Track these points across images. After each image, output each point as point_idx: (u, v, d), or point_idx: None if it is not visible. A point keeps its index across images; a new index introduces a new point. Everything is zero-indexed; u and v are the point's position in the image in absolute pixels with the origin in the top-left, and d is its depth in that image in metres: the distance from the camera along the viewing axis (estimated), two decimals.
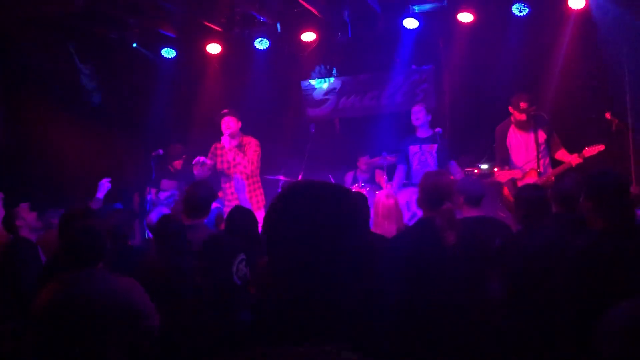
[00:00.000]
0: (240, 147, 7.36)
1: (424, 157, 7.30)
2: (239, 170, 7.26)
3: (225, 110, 7.37)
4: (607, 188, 3.37)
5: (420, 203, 4.00)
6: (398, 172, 7.52)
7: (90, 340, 3.16)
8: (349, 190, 1.53)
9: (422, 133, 7.40)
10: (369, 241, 1.52)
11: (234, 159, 7.22)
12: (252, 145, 7.34)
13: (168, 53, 9.52)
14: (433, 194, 3.86)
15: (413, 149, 7.36)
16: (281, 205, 1.46)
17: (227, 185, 7.44)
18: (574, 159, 6.60)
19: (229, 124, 7.25)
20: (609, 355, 1.34)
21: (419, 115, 7.36)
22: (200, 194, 4.79)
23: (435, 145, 7.25)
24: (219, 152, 7.43)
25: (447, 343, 3.58)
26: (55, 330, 3.18)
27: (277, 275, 1.42)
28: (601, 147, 6.49)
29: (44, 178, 8.42)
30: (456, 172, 7.17)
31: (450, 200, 3.79)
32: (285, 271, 1.41)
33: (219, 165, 7.42)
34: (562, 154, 6.82)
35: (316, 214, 1.40)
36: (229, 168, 7.36)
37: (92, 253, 3.43)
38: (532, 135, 6.92)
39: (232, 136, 7.27)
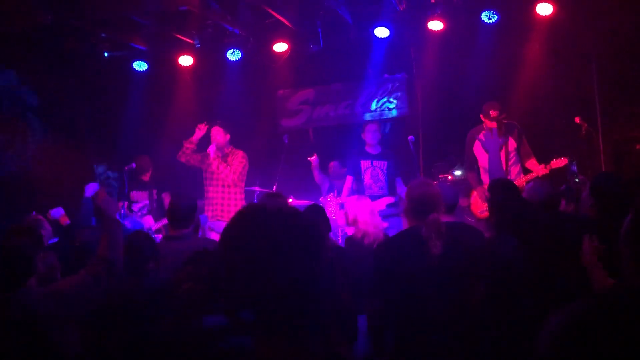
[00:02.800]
0: (224, 157, 7.55)
1: (375, 172, 7.41)
2: (221, 179, 7.51)
3: (218, 122, 7.62)
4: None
5: (407, 213, 4.01)
6: (347, 182, 7.61)
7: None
8: (298, 212, 1.61)
9: (372, 149, 7.49)
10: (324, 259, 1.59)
11: (217, 168, 7.46)
12: (238, 156, 7.56)
13: (140, 66, 9.46)
14: (420, 205, 3.86)
15: (365, 163, 7.46)
16: (237, 229, 1.55)
17: (210, 194, 7.62)
18: (540, 170, 6.71)
19: (216, 135, 7.52)
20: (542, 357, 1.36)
21: (374, 135, 7.45)
22: (182, 205, 4.81)
23: (386, 162, 7.38)
24: (206, 159, 7.63)
25: (437, 348, 3.59)
26: None
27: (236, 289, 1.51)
28: (566, 161, 6.59)
29: (12, 191, 8.31)
30: (401, 190, 7.21)
31: (436, 210, 3.79)
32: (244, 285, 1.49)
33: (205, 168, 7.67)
34: (531, 164, 6.91)
35: (270, 237, 1.50)
36: (212, 177, 7.61)
37: (17, 274, 3.30)
38: (502, 143, 7.00)
39: (218, 147, 7.50)
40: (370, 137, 7.46)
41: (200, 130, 7.68)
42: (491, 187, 4.87)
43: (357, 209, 5.06)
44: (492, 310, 4.14)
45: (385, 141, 7.75)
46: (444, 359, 3.60)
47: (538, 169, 6.73)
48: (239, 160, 7.54)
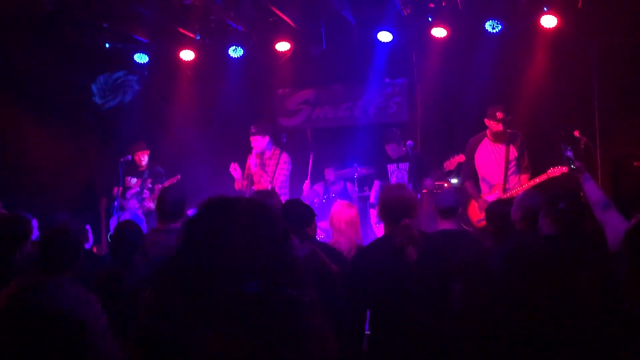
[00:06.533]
0: (262, 166, 7.58)
1: (400, 174, 7.58)
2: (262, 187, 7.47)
3: (252, 129, 7.62)
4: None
5: (381, 217, 3.94)
6: (374, 187, 7.84)
7: (39, 350, 3.03)
8: (263, 204, 1.63)
9: (396, 155, 7.69)
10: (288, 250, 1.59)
11: (259, 182, 7.47)
12: (280, 162, 7.56)
13: (141, 58, 9.42)
14: (392, 209, 3.79)
15: (391, 167, 7.68)
16: (199, 222, 1.57)
17: None
18: (534, 181, 6.71)
19: (255, 143, 7.58)
20: None
21: (393, 152, 7.66)
22: (169, 199, 4.76)
23: (407, 164, 7.51)
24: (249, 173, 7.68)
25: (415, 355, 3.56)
26: (6, 333, 3.06)
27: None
28: (565, 169, 6.56)
29: (12, 181, 8.27)
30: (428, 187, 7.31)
31: (410, 215, 3.73)
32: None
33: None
34: (524, 179, 6.92)
35: (233, 228, 1.52)
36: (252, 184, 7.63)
37: (63, 259, 3.34)
38: (504, 150, 6.99)
39: (257, 154, 7.58)
40: (392, 154, 7.68)
41: (236, 171, 7.67)
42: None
43: (335, 216, 5.00)
44: (474, 319, 4.13)
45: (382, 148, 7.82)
46: None
47: (532, 181, 6.73)
48: (280, 166, 7.52)
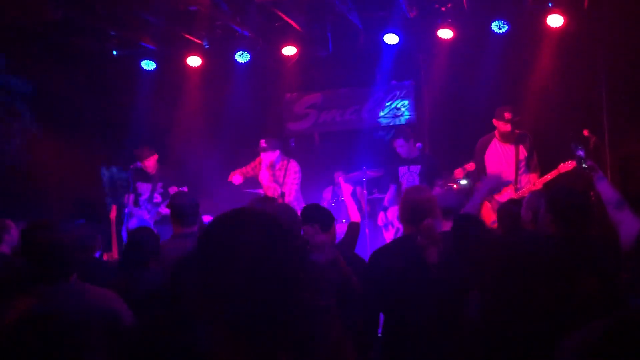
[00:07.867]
0: (275, 178, 7.69)
1: (411, 177, 7.52)
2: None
3: (263, 144, 7.71)
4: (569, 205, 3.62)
5: (401, 219, 3.96)
6: (390, 190, 7.75)
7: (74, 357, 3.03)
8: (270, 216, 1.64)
9: (408, 155, 7.60)
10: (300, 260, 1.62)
11: (274, 195, 7.46)
12: (290, 172, 7.72)
13: (148, 65, 9.44)
14: (413, 210, 3.81)
15: (402, 169, 7.59)
16: (215, 236, 1.58)
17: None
18: (548, 176, 6.72)
19: (264, 156, 7.72)
20: None
21: (402, 149, 7.56)
22: (185, 202, 4.78)
23: (419, 166, 7.47)
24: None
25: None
26: (30, 350, 3.05)
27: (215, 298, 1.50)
28: (574, 164, 6.54)
29: (18, 190, 8.30)
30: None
31: (431, 216, 3.74)
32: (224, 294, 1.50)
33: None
34: (535, 177, 6.92)
35: (248, 241, 1.53)
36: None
37: (65, 265, 3.33)
38: (513, 150, 7.00)
39: (269, 167, 7.71)
40: (400, 152, 7.59)
41: (236, 178, 7.84)
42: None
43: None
44: (485, 322, 4.11)
45: (392, 148, 7.79)
46: None
47: (544, 178, 6.74)
48: (291, 176, 7.64)
